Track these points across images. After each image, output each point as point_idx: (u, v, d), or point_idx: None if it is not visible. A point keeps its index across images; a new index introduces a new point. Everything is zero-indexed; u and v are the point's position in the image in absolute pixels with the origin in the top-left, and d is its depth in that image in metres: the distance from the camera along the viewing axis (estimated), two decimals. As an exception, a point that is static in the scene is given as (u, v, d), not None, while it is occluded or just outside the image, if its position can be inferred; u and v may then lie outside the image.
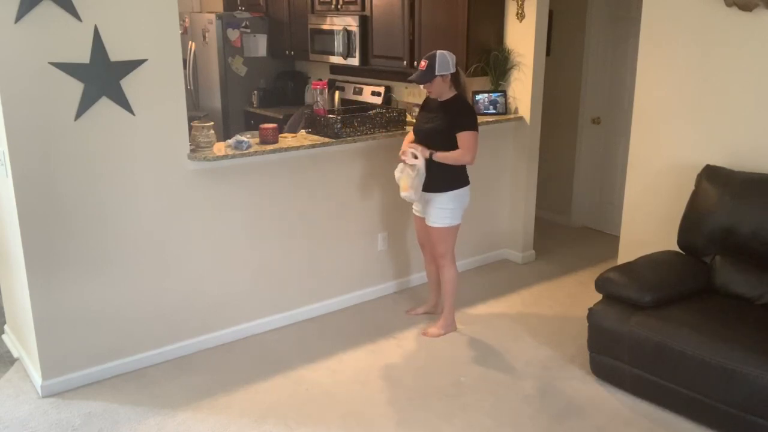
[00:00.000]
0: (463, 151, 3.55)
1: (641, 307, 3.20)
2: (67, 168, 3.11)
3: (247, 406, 3.21)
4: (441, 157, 3.56)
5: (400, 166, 3.69)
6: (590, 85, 5.52)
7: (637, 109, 4.09)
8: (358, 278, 4.29)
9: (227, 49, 6.30)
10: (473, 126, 3.57)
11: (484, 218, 4.86)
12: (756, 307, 3.22)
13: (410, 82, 3.70)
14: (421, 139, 3.68)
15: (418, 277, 4.58)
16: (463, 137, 3.54)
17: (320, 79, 4.83)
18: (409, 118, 4.36)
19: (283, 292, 3.97)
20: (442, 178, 3.63)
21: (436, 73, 3.51)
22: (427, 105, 3.75)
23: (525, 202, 4.88)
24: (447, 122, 3.57)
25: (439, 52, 3.53)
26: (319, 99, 4.03)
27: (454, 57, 3.58)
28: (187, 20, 6.61)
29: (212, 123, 3.64)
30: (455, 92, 3.61)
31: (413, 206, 3.90)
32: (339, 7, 5.53)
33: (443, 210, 3.68)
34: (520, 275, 4.77)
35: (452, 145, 3.57)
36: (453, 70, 3.55)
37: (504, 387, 3.37)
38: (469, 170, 3.72)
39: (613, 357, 3.27)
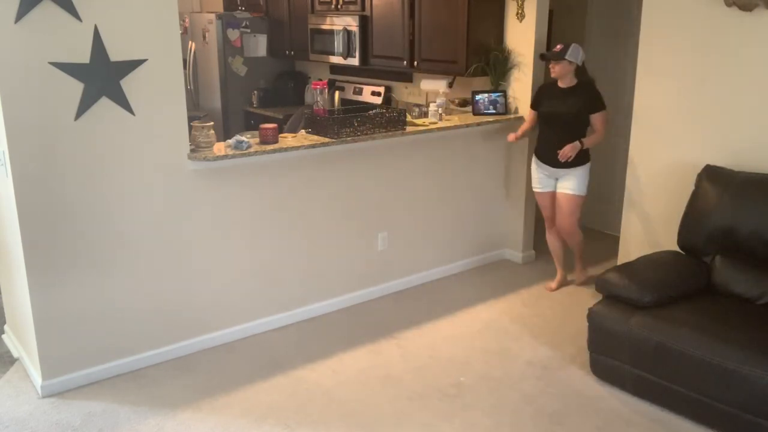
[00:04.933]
0: (601, 130, 4.14)
1: (641, 307, 3.20)
2: (67, 168, 3.11)
3: (247, 406, 3.21)
4: (589, 142, 4.12)
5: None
6: (590, 85, 5.51)
7: (637, 109, 4.10)
8: (358, 278, 4.29)
9: (227, 49, 6.30)
10: (603, 106, 4.12)
11: (484, 218, 4.87)
12: (756, 307, 3.22)
13: (542, 58, 4.22)
14: (559, 122, 4.16)
15: (418, 277, 4.58)
16: (597, 117, 4.11)
17: (320, 79, 4.84)
18: (409, 118, 4.36)
19: (283, 292, 3.97)
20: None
21: (565, 57, 4.01)
22: (548, 92, 4.24)
23: (525, 202, 4.87)
24: (581, 106, 4.08)
25: (574, 44, 4.05)
26: (319, 99, 4.03)
27: (584, 56, 4.12)
28: (187, 20, 6.61)
29: (212, 123, 3.64)
30: (579, 80, 4.11)
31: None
32: (339, 7, 5.53)
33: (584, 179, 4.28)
34: (520, 275, 4.77)
35: (585, 125, 4.14)
36: (578, 63, 4.06)
37: (504, 387, 3.37)
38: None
39: (613, 357, 3.27)
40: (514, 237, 4.99)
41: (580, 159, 4.17)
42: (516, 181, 4.89)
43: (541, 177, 4.34)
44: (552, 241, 4.53)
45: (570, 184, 4.22)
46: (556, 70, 4.08)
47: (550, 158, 4.21)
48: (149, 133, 3.30)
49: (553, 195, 4.35)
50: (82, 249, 3.23)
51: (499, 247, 5.05)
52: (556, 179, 4.28)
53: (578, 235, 4.41)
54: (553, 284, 4.55)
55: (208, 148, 3.52)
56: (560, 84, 4.13)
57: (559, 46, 4.05)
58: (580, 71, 4.11)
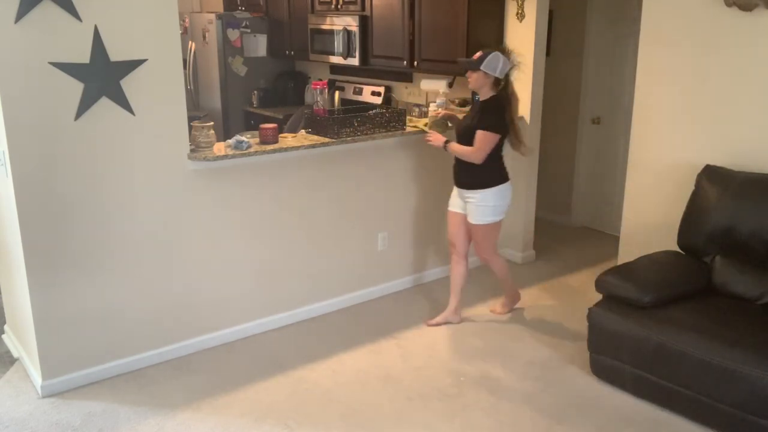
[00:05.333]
0: (473, 148, 3.63)
1: (641, 307, 3.20)
2: (67, 168, 3.11)
3: (247, 406, 3.21)
4: (453, 147, 3.72)
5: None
6: (590, 85, 5.52)
7: (637, 109, 4.10)
8: (358, 278, 4.29)
9: (227, 49, 6.30)
10: (491, 127, 3.58)
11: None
12: (756, 307, 3.22)
13: (457, 63, 3.89)
14: (457, 135, 3.83)
15: (418, 277, 4.58)
16: (477, 135, 3.60)
17: (320, 79, 4.83)
18: (409, 118, 4.36)
19: (283, 292, 3.97)
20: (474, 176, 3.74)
21: (480, 68, 3.57)
22: (473, 103, 3.89)
23: (525, 202, 4.88)
24: (476, 120, 3.65)
25: (495, 52, 3.58)
26: (319, 99, 4.03)
27: (508, 66, 3.63)
28: (187, 20, 6.61)
29: (212, 123, 3.64)
30: (493, 94, 3.65)
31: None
32: (339, 7, 5.53)
33: (484, 207, 3.76)
34: (520, 275, 4.76)
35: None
36: (497, 75, 3.58)
37: (504, 387, 3.37)
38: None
39: (613, 357, 3.27)
40: (513, 237, 5.00)
41: (477, 182, 3.73)
42: (516, 182, 4.87)
43: (453, 194, 3.95)
44: (452, 267, 4.03)
45: (468, 211, 3.81)
46: (470, 80, 3.65)
47: (454, 176, 3.85)
48: (149, 133, 3.30)
49: (458, 216, 3.91)
50: (82, 249, 3.23)
51: (499, 247, 5.02)
52: (465, 202, 3.85)
53: (495, 263, 3.99)
54: (437, 318, 4.02)
55: (208, 148, 3.52)
56: (480, 96, 3.71)
57: (477, 54, 3.60)
58: (498, 84, 3.62)
